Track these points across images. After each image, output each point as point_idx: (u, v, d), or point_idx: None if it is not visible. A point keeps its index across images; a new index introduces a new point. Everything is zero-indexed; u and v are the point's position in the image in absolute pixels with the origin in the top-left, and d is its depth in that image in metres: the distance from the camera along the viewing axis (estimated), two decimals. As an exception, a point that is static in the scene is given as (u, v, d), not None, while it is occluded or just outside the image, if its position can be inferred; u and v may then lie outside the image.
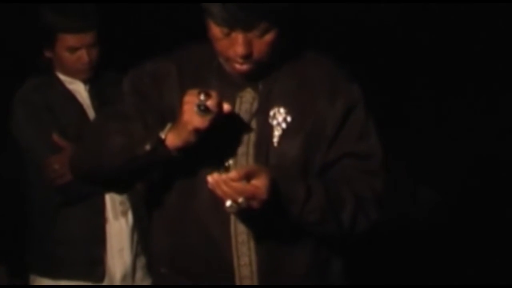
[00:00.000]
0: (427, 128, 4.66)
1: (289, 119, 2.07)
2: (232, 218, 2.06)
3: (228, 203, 1.89)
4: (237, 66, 2.02)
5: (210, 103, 1.89)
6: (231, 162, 1.94)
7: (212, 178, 1.89)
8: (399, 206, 4.40)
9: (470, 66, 4.56)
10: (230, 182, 1.87)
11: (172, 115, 2.06)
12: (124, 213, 2.90)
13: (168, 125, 1.97)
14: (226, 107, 1.95)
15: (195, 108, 1.89)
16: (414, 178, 4.57)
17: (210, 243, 2.09)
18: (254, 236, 2.09)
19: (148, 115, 2.08)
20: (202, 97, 1.90)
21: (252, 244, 2.09)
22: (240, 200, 1.88)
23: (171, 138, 1.96)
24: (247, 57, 1.99)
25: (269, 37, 1.99)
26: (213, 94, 1.91)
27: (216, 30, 1.99)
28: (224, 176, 1.88)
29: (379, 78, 4.32)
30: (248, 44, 1.98)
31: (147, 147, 1.97)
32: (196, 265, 2.13)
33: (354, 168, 2.10)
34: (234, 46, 1.98)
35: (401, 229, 4.35)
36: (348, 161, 2.11)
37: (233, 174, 1.88)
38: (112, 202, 2.87)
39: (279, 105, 2.08)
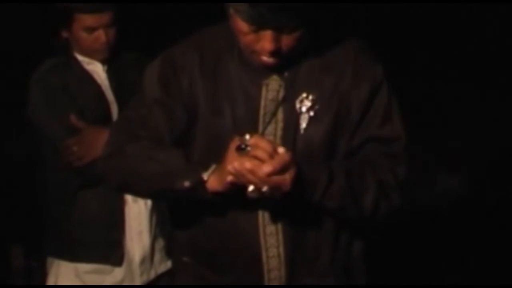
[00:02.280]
0: (451, 114, 4.61)
1: (315, 105, 2.05)
2: (260, 209, 2.04)
3: (251, 188, 1.87)
4: (264, 58, 1.99)
5: (252, 140, 1.86)
6: (247, 137, 1.88)
7: (234, 168, 1.86)
8: (417, 193, 4.36)
9: (498, 53, 4.51)
10: (258, 172, 1.83)
11: (195, 106, 2.04)
12: (143, 196, 2.88)
13: (212, 167, 1.94)
14: (280, 150, 1.87)
15: (236, 151, 1.86)
16: (435, 165, 4.53)
17: (238, 236, 2.07)
18: (282, 226, 2.07)
19: (175, 110, 2.06)
20: (247, 137, 1.86)
21: (280, 235, 2.07)
22: (265, 188, 1.85)
23: (213, 180, 1.93)
24: (275, 52, 1.95)
25: (298, 33, 1.95)
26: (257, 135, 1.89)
27: (242, 25, 1.94)
28: (252, 165, 1.83)
29: (404, 62, 4.29)
30: (277, 40, 1.94)
31: (186, 183, 1.95)
32: (222, 257, 2.11)
33: (377, 152, 2.08)
34: (262, 41, 1.94)
35: (418, 217, 4.32)
36: (372, 145, 2.09)
37: (268, 168, 1.83)
38: (131, 184, 2.84)
39: (305, 92, 2.05)
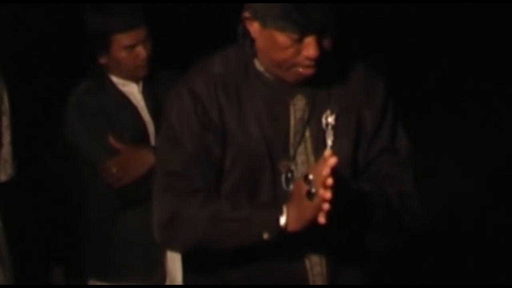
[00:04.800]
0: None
1: (338, 121, 2.08)
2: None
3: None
4: (302, 71, 2.01)
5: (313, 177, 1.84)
6: (311, 176, 1.87)
7: (322, 218, 1.84)
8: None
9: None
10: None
11: (226, 137, 2.04)
12: (183, 215, 2.87)
13: (285, 210, 1.93)
14: (331, 162, 1.83)
15: (306, 198, 1.85)
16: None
17: (280, 259, 2.06)
18: (323, 243, 2.08)
19: (214, 145, 2.05)
20: (311, 177, 1.84)
21: (323, 255, 2.09)
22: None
23: (291, 223, 1.93)
24: (317, 59, 1.97)
25: (333, 38, 1.99)
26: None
27: (282, 39, 1.96)
28: (327, 200, 1.82)
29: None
30: (320, 46, 1.97)
31: (266, 236, 1.95)
32: (258, 280, 2.09)
33: (390, 163, 2.14)
34: (306, 49, 1.96)
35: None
36: (384, 156, 2.14)
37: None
38: (171, 204, 2.84)
39: (328, 109, 2.08)
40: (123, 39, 2.79)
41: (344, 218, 1.98)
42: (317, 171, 1.84)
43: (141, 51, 2.81)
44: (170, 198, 2.04)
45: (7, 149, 2.80)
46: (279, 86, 2.06)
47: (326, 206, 1.82)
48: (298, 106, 2.07)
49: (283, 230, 1.93)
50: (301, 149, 2.07)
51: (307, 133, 2.07)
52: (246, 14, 2.01)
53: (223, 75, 2.07)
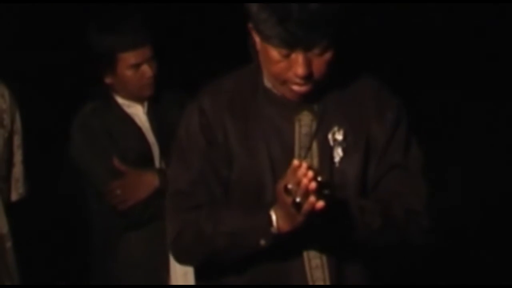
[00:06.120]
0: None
1: (346, 138, 2.08)
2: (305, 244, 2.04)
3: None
4: (295, 88, 2.01)
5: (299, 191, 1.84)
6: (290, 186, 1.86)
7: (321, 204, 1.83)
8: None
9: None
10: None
11: (231, 156, 2.05)
12: (187, 237, 2.87)
13: (272, 213, 1.94)
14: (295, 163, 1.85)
15: (292, 209, 1.86)
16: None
17: (282, 270, 2.07)
18: (323, 247, 2.07)
19: (219, 162, 2.06)
20: (289, 186, 1.83)
21: (326, 268, 2.08)
22: (326, 191, 1.85)
23: (283, 226, 1.93)
24: (307, 77, 1.97)
25: (328, 55, 1.98)
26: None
27: (273, 53, 1.96)
28: (312, 203, 1.82)
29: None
30: (308, 64, 1.96)
31: (262, 242, 1.97)
32: (260, 276, 2.09)
33: (400, 179, 2.12)
34: (294, 67, 1.96)
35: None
36: (394, 173, 2.12)
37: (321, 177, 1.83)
38: (175, 225, 2.85)
39: (336, 125, 2.08)
40: (129, 57, 2.80)
41: (339, 233, 1.99)
42: (294, 181, 1.83)
43: (147, 70, 2.82)
44: (177, 217, 2.08)
45: (18, 169, 2.82)
46: (285, 102, 2.06)
47: (319, 205, 1.81)
48: (304, 122, 2.07)
49: (276, 234, 1.94)
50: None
51: (314, 149, 2.07)
52: (250, 25, 2.01)
53: (232, 93, 2.09)
